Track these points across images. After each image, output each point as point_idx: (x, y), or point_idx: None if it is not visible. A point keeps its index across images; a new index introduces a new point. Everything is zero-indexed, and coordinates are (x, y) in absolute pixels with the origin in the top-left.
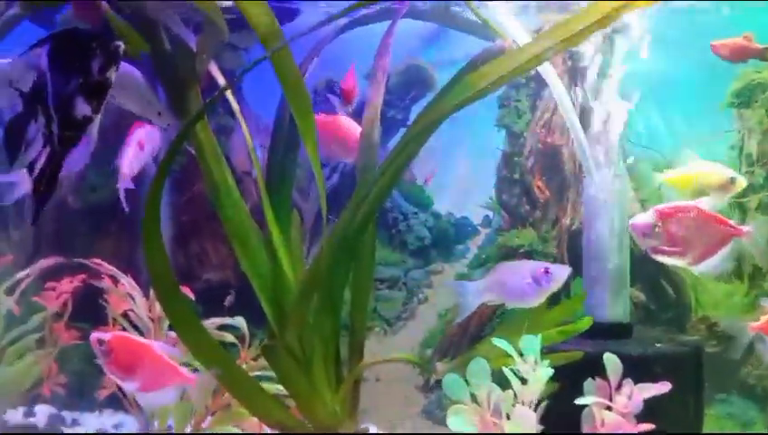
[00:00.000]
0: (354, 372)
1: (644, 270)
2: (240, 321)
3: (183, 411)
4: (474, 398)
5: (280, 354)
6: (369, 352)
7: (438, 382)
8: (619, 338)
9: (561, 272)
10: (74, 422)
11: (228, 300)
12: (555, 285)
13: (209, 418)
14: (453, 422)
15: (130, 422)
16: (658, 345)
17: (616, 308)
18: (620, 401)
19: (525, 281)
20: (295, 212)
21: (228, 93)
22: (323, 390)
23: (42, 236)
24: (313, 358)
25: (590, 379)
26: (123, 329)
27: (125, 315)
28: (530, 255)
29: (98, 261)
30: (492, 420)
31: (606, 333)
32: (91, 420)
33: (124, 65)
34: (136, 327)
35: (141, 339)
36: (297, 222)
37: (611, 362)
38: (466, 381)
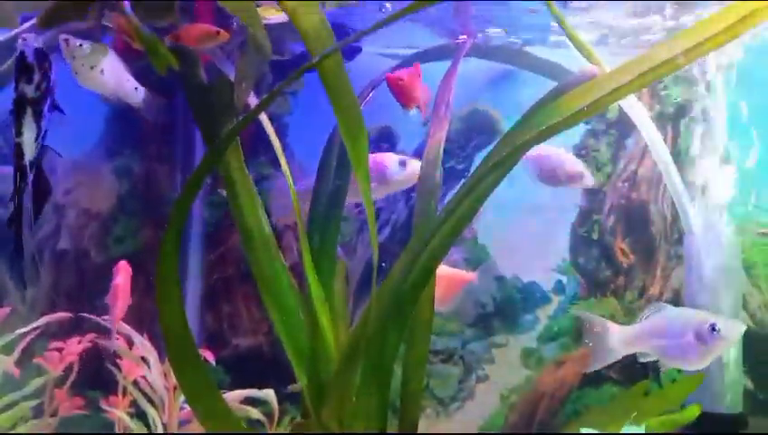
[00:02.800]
0: None
1: (749, 350)
2: (269, 394)
3: None
4: None
5: None
6: None
7: None
8: (732, 432)
9: (734, 330)
10: None
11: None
12: (724, 346)
13: None
14: None
15: None
16: None
17: (727, 395)
18: None
19: (686, 337)
20: (341, 262)
21: (271, 133)
22: None
23: (58, 294)
24: None
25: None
26: (134, 399)
27: (137, 383)
28: None
29: (108, 318)
30: None
31: (716, 424)
32: None
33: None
34: (149, 398)
35: None
36: (342, 273)
37: None
38: None
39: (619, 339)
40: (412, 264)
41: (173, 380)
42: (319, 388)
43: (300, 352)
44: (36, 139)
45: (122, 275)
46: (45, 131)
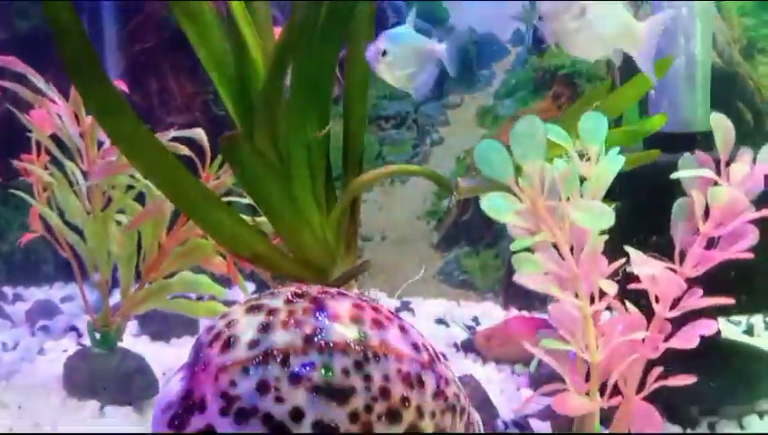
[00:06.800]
0: (351, 189)
1: (716, 88)
2: (199, 132)
3: (128, 254)
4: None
5: (245, 151)
6: (373, 204)
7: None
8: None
9: None
10: (17, 298)
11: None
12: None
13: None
14: (489, 206)
15: (77, 293)
16: None
17: (693, 113)
18: (736, 174)
19: None
20: None
21: None
22: (309, 209)
23: None
24: (293, 164)
25: (687, 153)
26: (50, 155)
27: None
28: (571, 77)
29: (8, 59)
30: (546, 205)
31: (680, 144)
32: (37, 295)
33: None
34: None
35: None
36: None
37: (721, 123)
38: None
39: None
40: None
41: (86, 122)
42: (248, 110)
43: (227, 78)
44: None
45: None
46: None
